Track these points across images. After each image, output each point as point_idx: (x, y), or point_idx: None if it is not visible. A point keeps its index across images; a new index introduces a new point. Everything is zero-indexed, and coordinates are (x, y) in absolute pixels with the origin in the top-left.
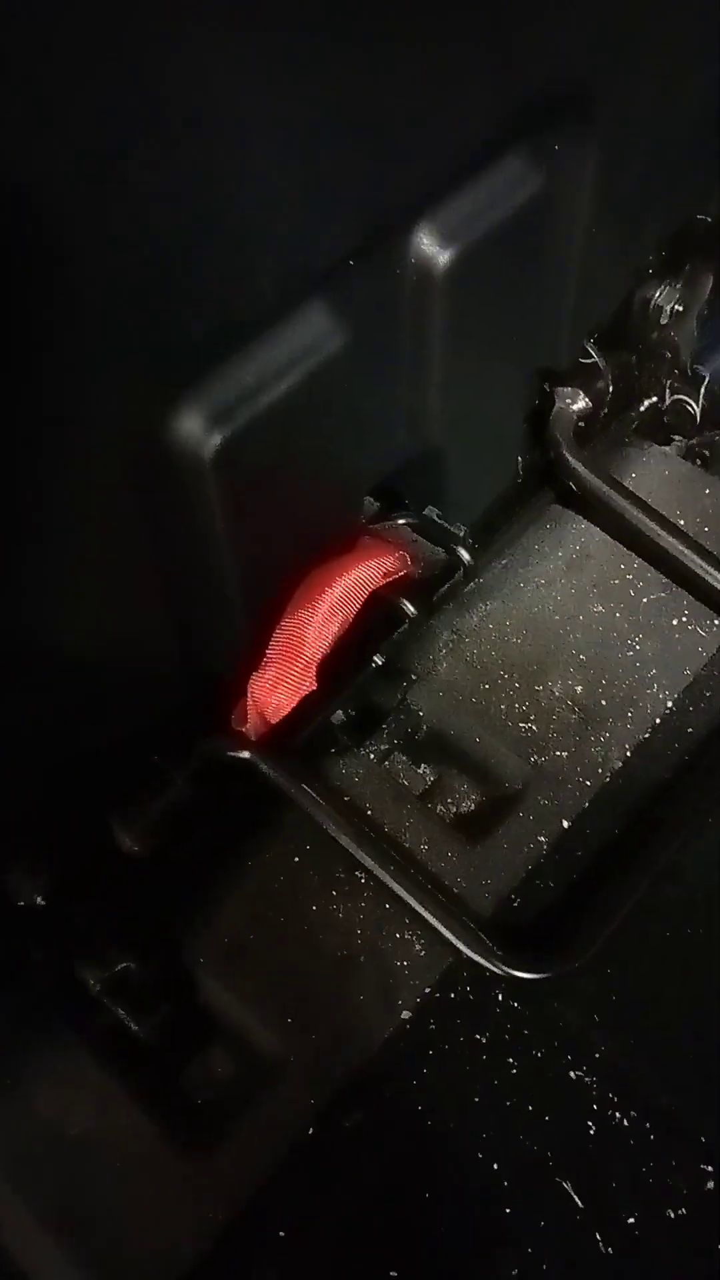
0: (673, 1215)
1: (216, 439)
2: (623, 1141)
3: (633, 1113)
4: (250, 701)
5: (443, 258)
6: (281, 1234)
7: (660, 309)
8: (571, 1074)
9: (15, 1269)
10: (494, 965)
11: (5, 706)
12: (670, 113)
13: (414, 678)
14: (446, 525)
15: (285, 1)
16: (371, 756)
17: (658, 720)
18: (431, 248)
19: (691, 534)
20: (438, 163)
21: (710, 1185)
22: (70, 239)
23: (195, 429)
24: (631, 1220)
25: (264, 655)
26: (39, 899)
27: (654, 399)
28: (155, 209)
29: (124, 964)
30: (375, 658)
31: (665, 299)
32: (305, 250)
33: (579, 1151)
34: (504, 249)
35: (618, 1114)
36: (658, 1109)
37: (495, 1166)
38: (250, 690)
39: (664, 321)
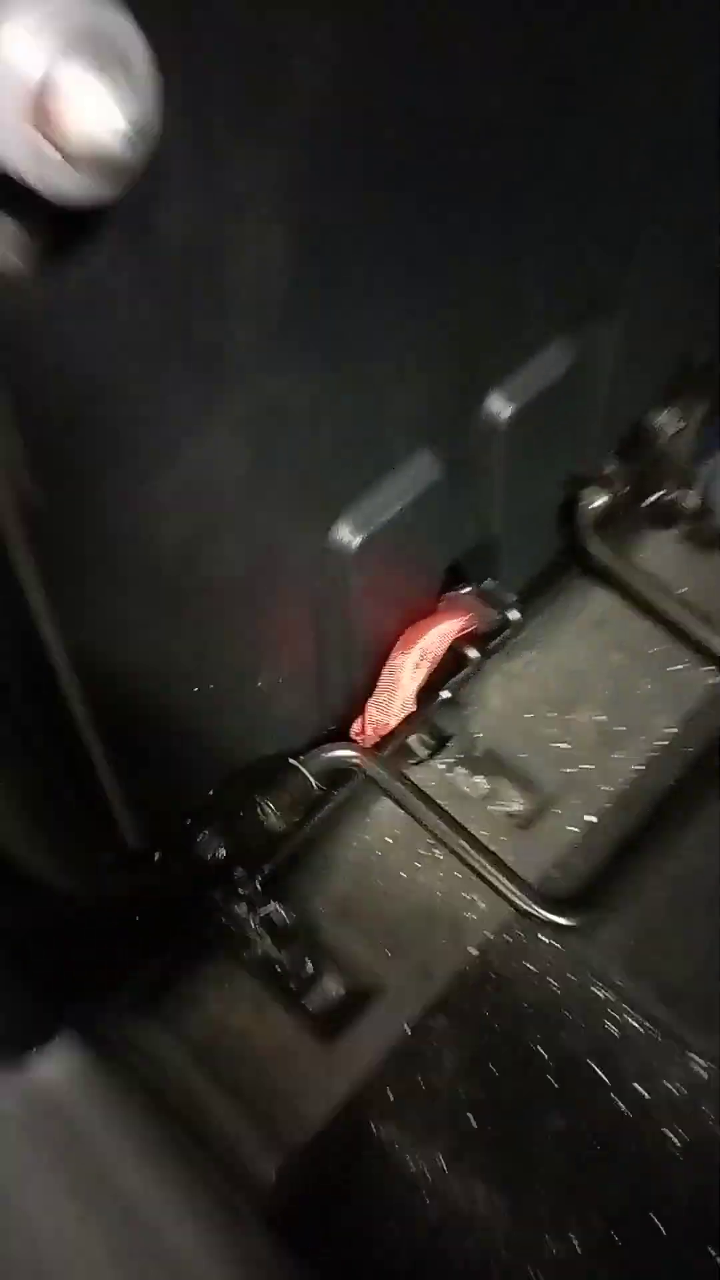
0: (674, 1091)
1: (358, 540)
2: (634, 1039)
3: (641, 1021)
4: (366, 720)
5: (505, 414)
6: (391, 1099)
7: (664, 428)
8: (596, 992)
9: (206, 1121)
10: (539, 912)
11: (216, 720)
12: (673, 292)
13: (473, 707)
14: (500, 593)
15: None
16: (441, 767)
17: (663, 742)
18: (498, 407)
19: (688, 600)
20: (506, 358)
21: (700, 1072)
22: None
23: (346, 535)
24: (641, 1089)
25: (376, 687)
26: (221, 854)
27: (660, 493)
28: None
29: (271, 908)
30: (443, 692)
31: (667, 421)
32: (421, 422)
33: (602, 1046)
34: (548, 404)
35: (631, 1020)
36: (658, 1019)
37: (543, 1053)
38: (367, 711)
39: (667, 437)
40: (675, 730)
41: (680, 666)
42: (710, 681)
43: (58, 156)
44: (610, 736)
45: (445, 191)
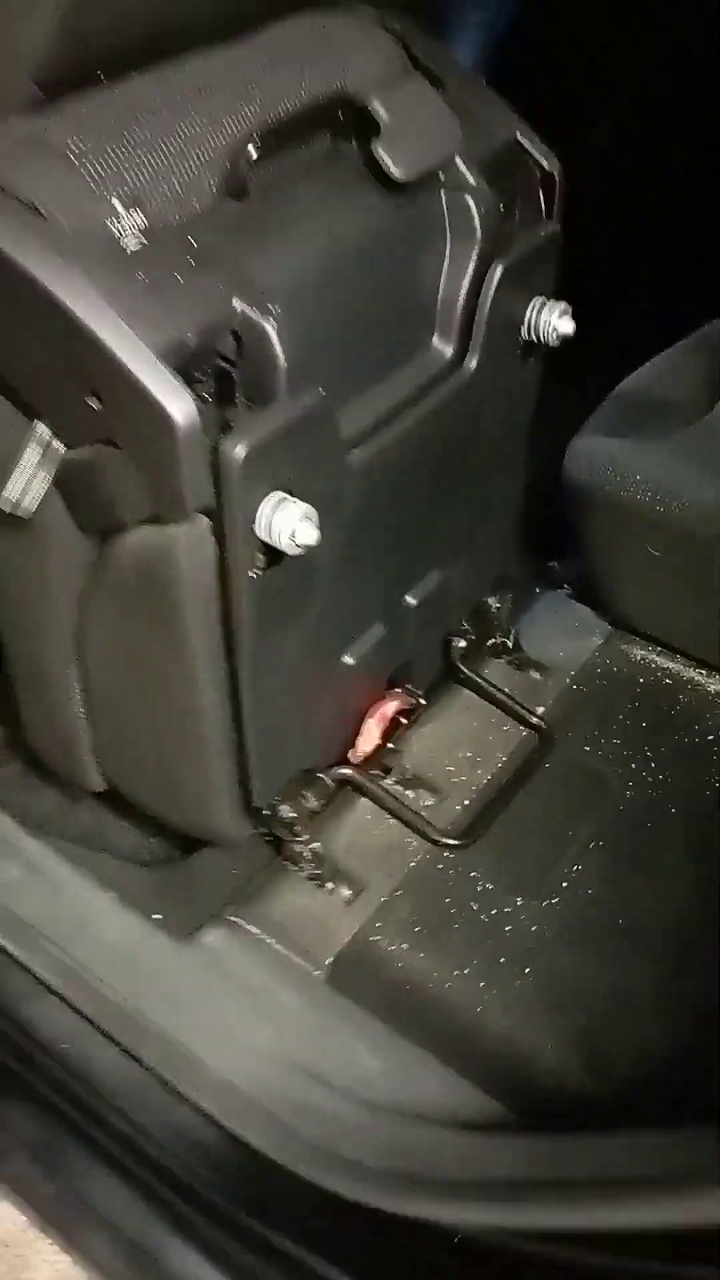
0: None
1: (353, 661)
2: (493, 891)
3: (495, 884)
4: (355, 751)
5: (414, 602)
6: (377, 925)
7: (493, 605)
8: (471, 874)
9: (288, 945)
10: (440, 839)
11: (294, 746)
12: (492, 546)
13: (404, 750)
14: (414, 691)
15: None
16: (389, 782)
17: (500, 762)
18: (411, 599)
19: (510, 694)
20: (414, 579)
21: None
22: None
23: (349, 659)
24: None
25: (358, 735)
26: (290, 815)
27: (493, 640)
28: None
29: (313, 844)
30: (389, 744)
31: (495, 601)
32: (379, 608)
33: (481, 896)
34: (433, 598)
35: (489, 884)
36: (503, 879)
37: (448, 902)
38: (356, 746)
39: (494, 610)
40: (504, 758)
41: (506, 727)
42: (522, 733)
43: (294, 547)
44: (474, 762)
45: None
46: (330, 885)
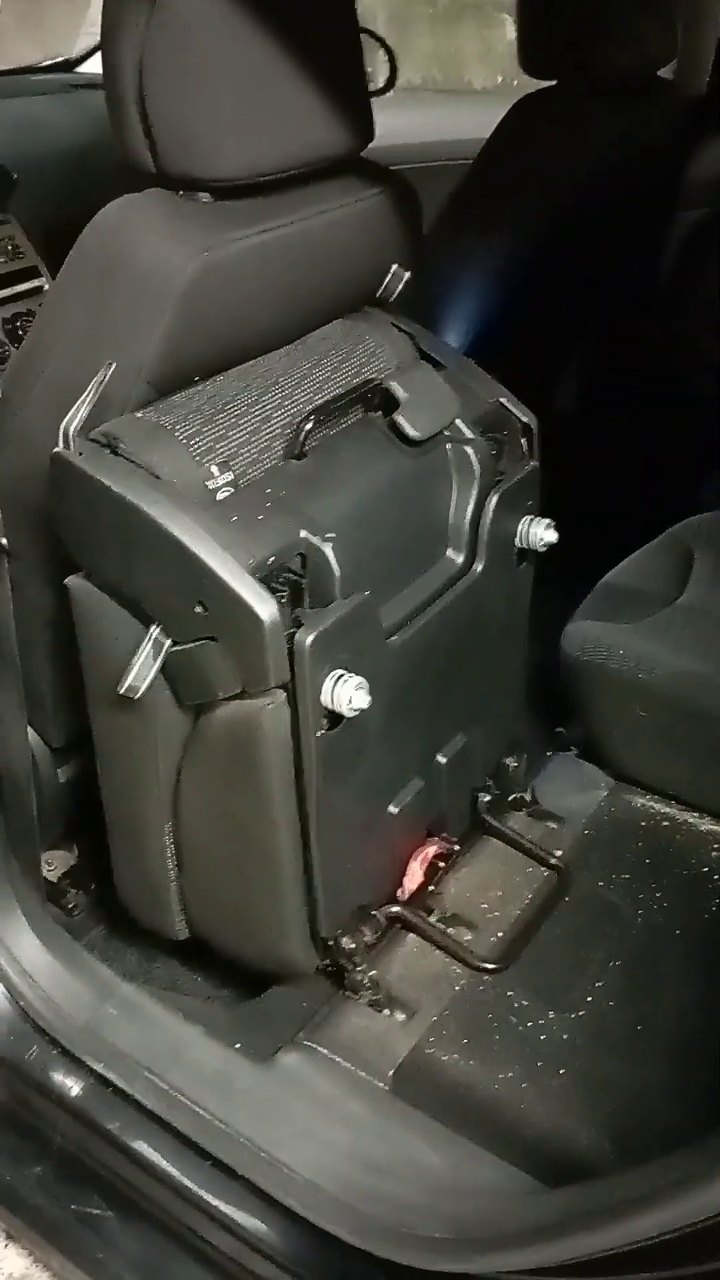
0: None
1: (398, 810)
2: (528, 1006)
3: (529, 1000)
4: (403, 889)
5: (443, 761)
6: (430, 1039)
7: (510, 763)
8: (508, 993)
9: (349, 1065)
10: (480, 964)
11: (353, 884)
12: (504, 714)
13: (442, 890)
14: (449, 839)
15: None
16: (432, 919)
17: (528, 899)
18: (441, 759)
19: (529, 839)
20: (443, 742)
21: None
22: None
23: (393, 809)
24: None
25: (404, 874)
26: (350, 946)
27: (513, 795)
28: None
29: (370, 972)
30: (430, 886)
31: (511, 760)
32: (415, 766)
33: (517, 1011)
34: (459, 758)
35: (524, 1000)
36: (535, 997)
37: (490, 1018)
38: (404, 885)
39: (511, 770)
40: (529, 895)
41: (529, 868)
42: (544, 873)
43: (352, 710)
44: (504, 898)
45: (425, 710)
46: (387, 1011)
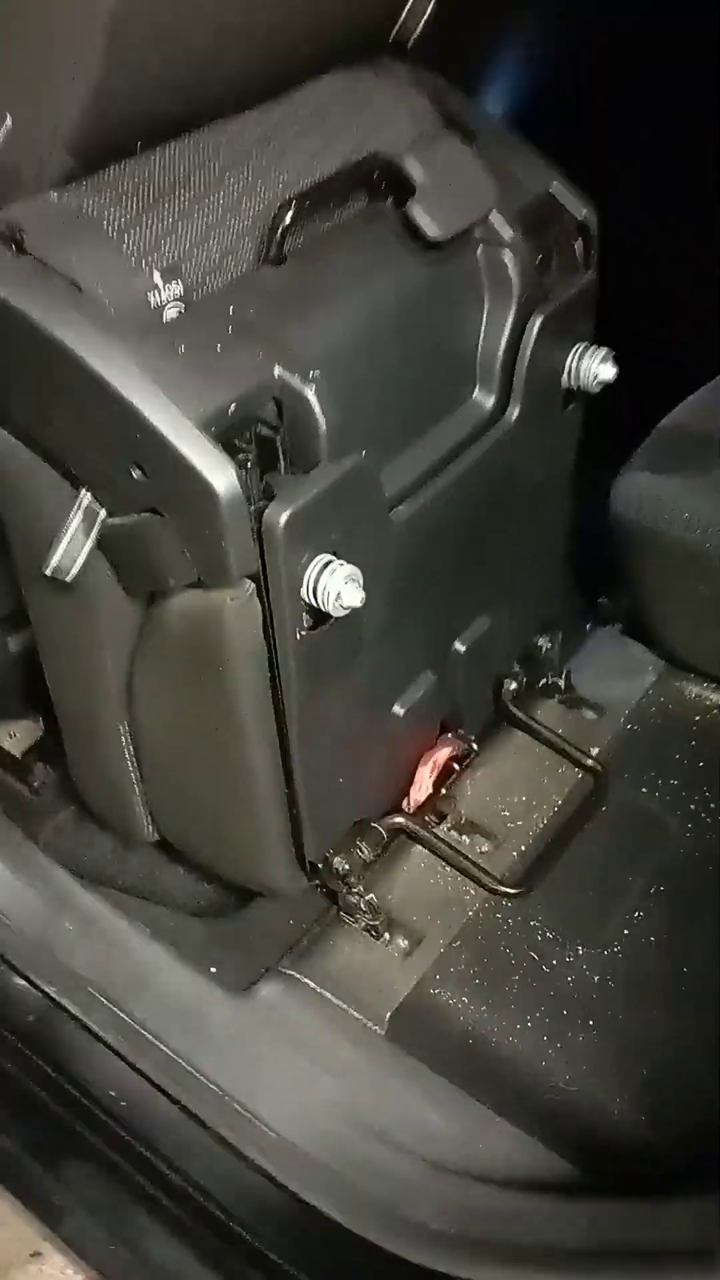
0: (572, 964)
1: (404, 710)
2: (554, 939)
3: (556, 932)
4: (410, 800)
5: (462, 649)
6: (437, 977)
7: (543, 645)
8: (530, 923)
9: (346, 996)
10: (498, 887)
11: (349, 797)
12: (535, 591)
13: (457, 796)
14: (466, 736)
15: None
16: (444, 828)
17: (556, 803)
18: (460, 645)
19: (563, 735)
20: (463, 626)
21: (586, 955)
22: None
23: (399, 709)
24: (557, 956)
25: (412, 783)
26: (345, 868)
27: (544, 680)
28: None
29: (367, 896)
30: (442, 790)
31: (545, 641)
32: (427, 657)
33: (541, 945)
34: (481, 643)
35: (549, 932)
36: (563, 929)
37: (508, 952)
38: (410, 795)
39: (544, 651)
40: (560, 801)
41: (561, 769)
42: (577, 775)
43: (340, 608)
44: (529, 806)
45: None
46: (387, 936)
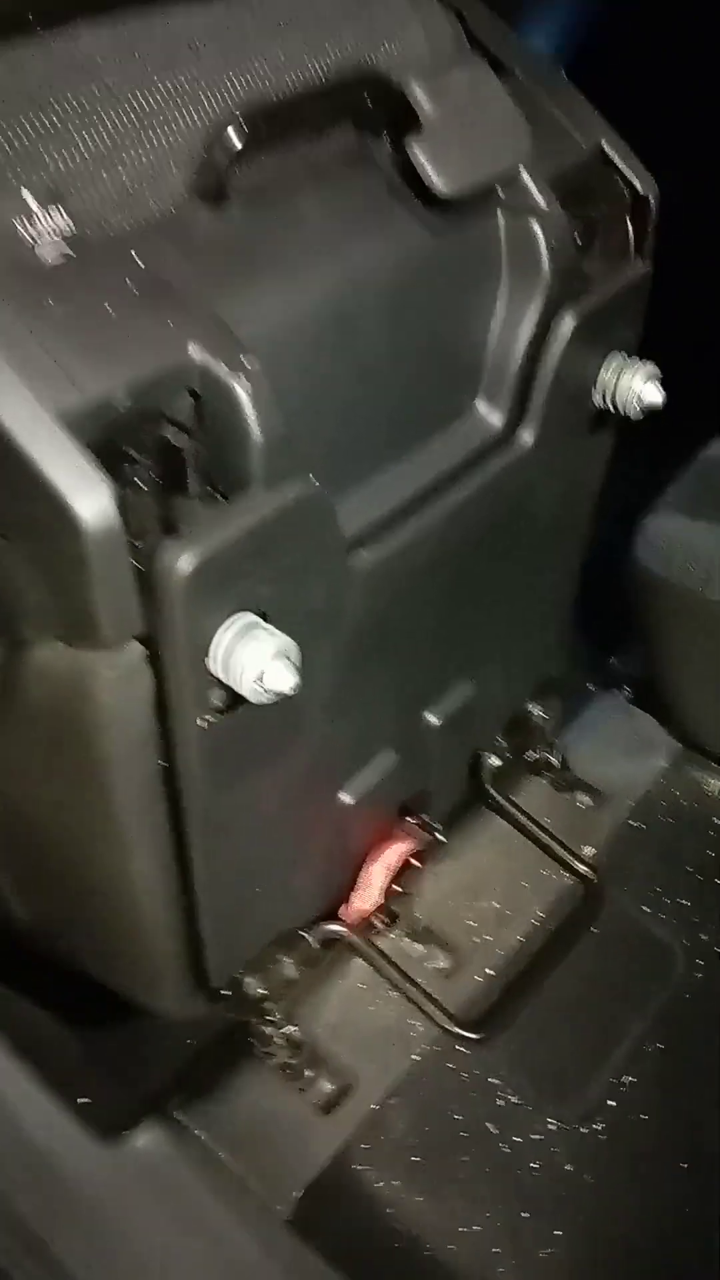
0: (538, 1140)
1: (352, 800)
2: (516, 1108)
3: (519, 1098)
4: (349, 907)
5: (436, 722)
6: (365, 1148)
7: (535, 714)
8: (491, 1080)
9: (248, 1167)
10: (456, 1030)
11: (266, 905)
12: (529, 648)
13: (415, 897)
14: (431, 823)
15: None
16: (393, 937)
17: (535, 922)
18: (431, 718)
19: (550, 827)
20: (437, 693)
21: (553, 1129)
22: None
23: (347, 798)
24: (518, 1139)
25: (356, 885)
26: (259, 992)
27: (534, 755)
28: None
29: (288, 1029)
30: (396, 887)
31: (536, 710)
32: (388, 733)
33: (495, 1113)
34: (460, 713)
35: (512, 1098)
36: (529, 1095)
37: (458, 1118)
38: (350, 902)
39: (536, 721)
40: (541, 913)
41: (545, 871)
42: (565, 881)
43: (261, 692)
44: (502, 918)
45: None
46: (308, 1076)
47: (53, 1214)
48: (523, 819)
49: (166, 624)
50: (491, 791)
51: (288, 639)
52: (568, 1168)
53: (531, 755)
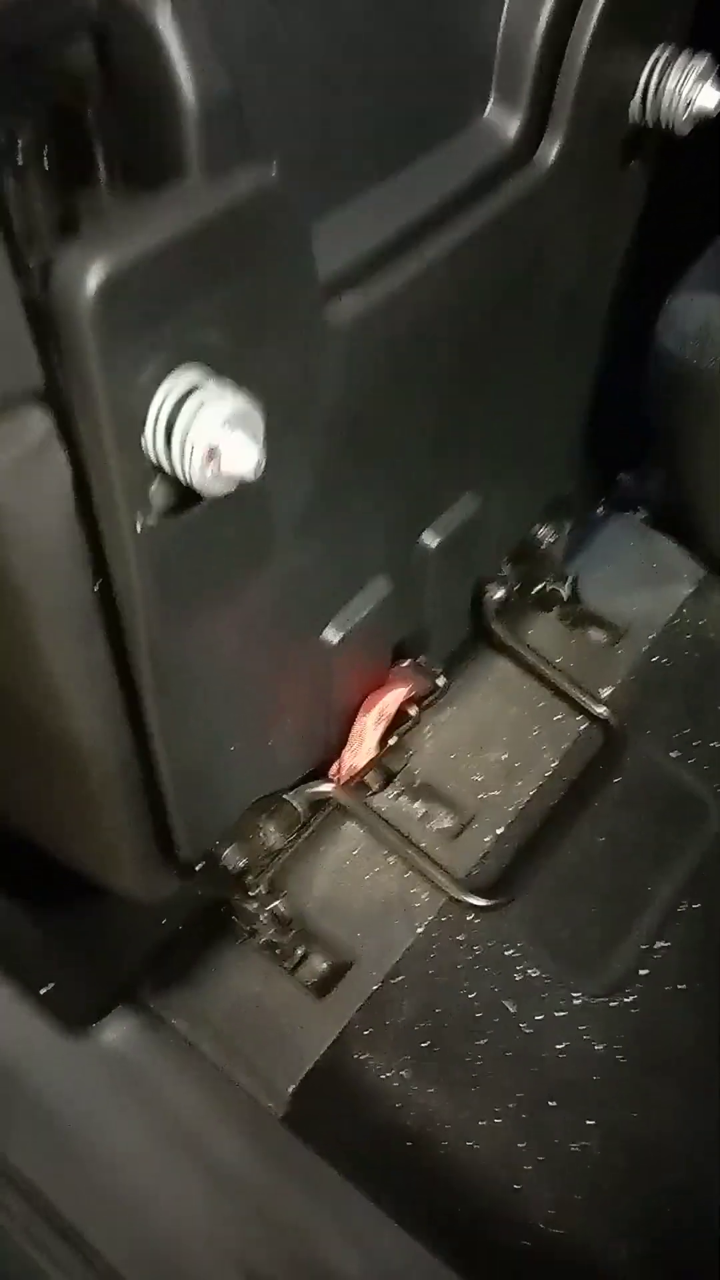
0: (559, 1017)
1: (338, 638)
2: (533, 982)
3: (537, 971)
4: (340, 764)
5: (434, 544)
6: (366, 1034)
7: (543, 539)
8: (506, 952)
9: (235, 1060)
10: (464, 897)
11: (242, 767)
12: (543, 458)
13: (412, 751)
14: (430, 666)
15: None
16: (391, 796)
17: (548, 773)
18: (429, 540)
19: (562, 666)
20: (437, 509)
21: (576, 1002)
22: None
23: (330, 635)
24: (539, 1018)
25: (348, 740)
26: (240, 864)
27: (542, 586)
28: None
29: (273, 904)
30: (391, 739)
31: (545, 534)
32: (380, 557)
33: (512, 989)
34: (462, 533)
35: (530, 970)
36: (548, 967)
37: (470, 996)
38: (341, 758)
39: (544, 546)
40: (556, 763)
41: (559, 716)
42: (581, 727)
43: (213, 477)
44: (511, 770)
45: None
46: (299, 956)
47: (10, 1115)
48: (531, 659)
49: (76, 376)
50: (495, 629)
51: (247, 401)
52: (597, 1048)
53: (539, 588)
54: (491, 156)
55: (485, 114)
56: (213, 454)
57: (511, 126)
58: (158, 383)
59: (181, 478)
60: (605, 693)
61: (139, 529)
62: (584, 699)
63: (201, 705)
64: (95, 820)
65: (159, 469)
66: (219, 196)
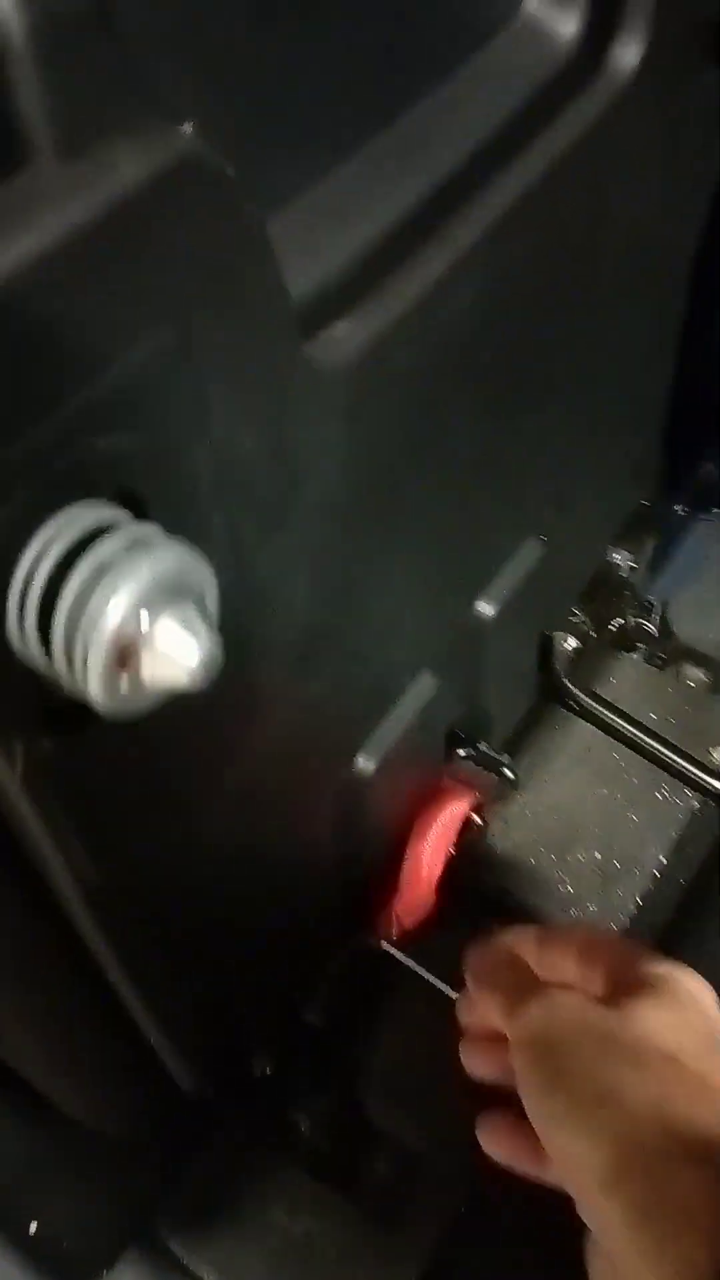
0: None
1: (373, 765)
2: None
3: None
4: (394, 917)
5: (490, 613)
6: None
7: (621, 565)
8: None
9: None
10: None
11: (249, 949)
12: (618, 474)
13: (477, 866)
14: (494, 754)
15: None
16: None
17: (657, 874)
18: (484, 609)
19: (656, 724)
20: (489, 570)
21: None
22: None
23: (363, 763)
24: None
25: (400, 881)
26: (268, 1069)
27: (621, 622)
28: None
29: (317, 1104)
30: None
31: (622, 560)
32: (420, 649)
33: None
34: (525, 590)
35: None
36: None
37: None
38: (394, 912)
39: (623, 574)
40: (664, 859)
41: (661, 795)
42: (693, 807)
43: (128, 691)
44: (608, 874)
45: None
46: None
47: None
48: (618, 720)
49: None
50: (570, 686)
51: (183, 554)
52: None
53: (617, 623)
54: (540, 73)
55: (527, 8)
56: (126, 655)
57: (567, 22)
58: (24, 533)
59: (71, 691)
60: (719, 754)
61: (18, 767)
62: (691, 768)
63: (179, 938)
64: (61, 1060)
65: (36, 675)
66: (95, 188)
